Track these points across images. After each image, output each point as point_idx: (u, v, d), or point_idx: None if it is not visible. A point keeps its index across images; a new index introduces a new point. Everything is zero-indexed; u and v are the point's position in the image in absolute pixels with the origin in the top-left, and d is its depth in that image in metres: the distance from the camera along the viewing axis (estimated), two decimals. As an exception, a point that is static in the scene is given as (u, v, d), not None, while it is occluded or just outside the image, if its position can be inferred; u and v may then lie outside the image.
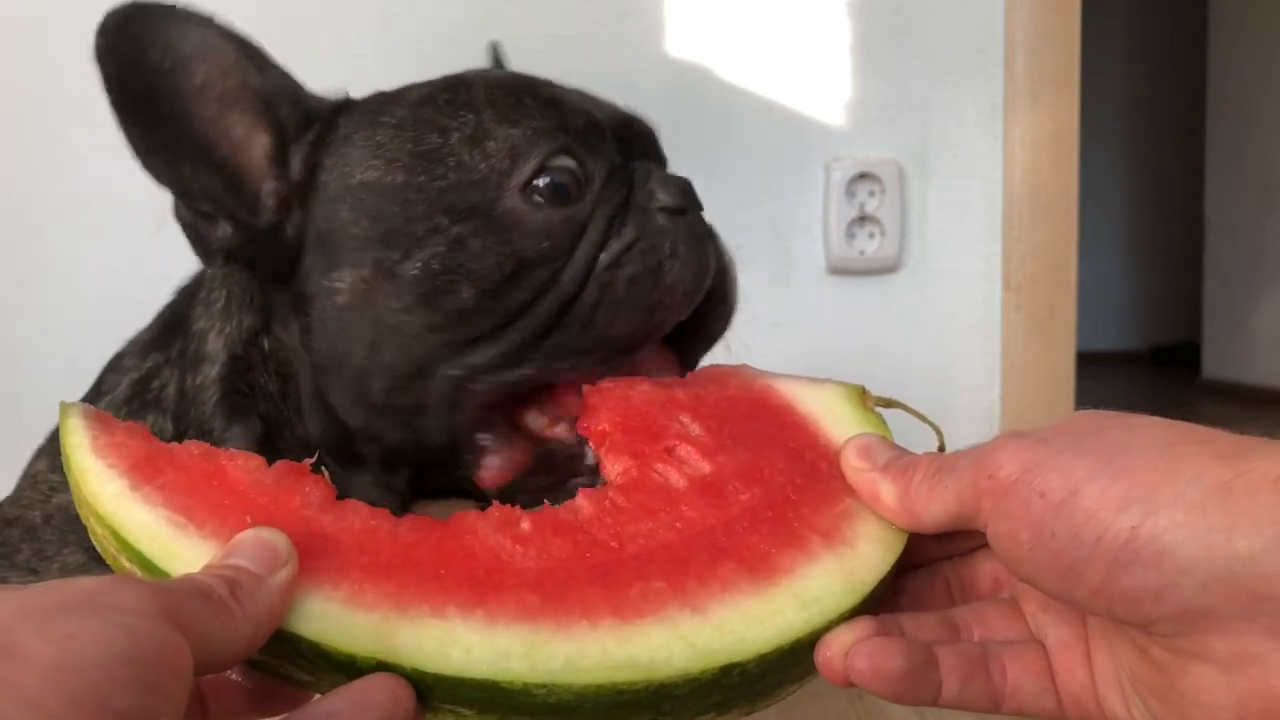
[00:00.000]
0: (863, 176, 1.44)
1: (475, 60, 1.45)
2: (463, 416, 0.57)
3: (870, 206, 1.44)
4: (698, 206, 0.61)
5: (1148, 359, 4.94)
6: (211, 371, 0.64)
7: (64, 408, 0.44)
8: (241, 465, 0.43)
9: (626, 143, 0.63)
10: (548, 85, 0.62)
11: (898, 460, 0.44)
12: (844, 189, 1.44)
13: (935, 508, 0.41)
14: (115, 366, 0.71)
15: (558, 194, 0.56)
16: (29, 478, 0.71)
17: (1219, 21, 3.55)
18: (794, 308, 1.46)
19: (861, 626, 0.41)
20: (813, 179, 1.46)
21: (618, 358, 0.57)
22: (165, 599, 0.32)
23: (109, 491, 0.41)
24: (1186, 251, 4.17)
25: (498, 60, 0.92)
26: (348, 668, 0.38)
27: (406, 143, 0.58)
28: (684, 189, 0.60)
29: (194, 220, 0.59)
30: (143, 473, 0.42)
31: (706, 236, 0.60)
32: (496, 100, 0.59)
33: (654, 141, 0.68)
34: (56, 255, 1.43)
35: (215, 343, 0.65)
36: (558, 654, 0.38)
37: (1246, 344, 3.36)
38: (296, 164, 0.60)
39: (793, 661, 0.41)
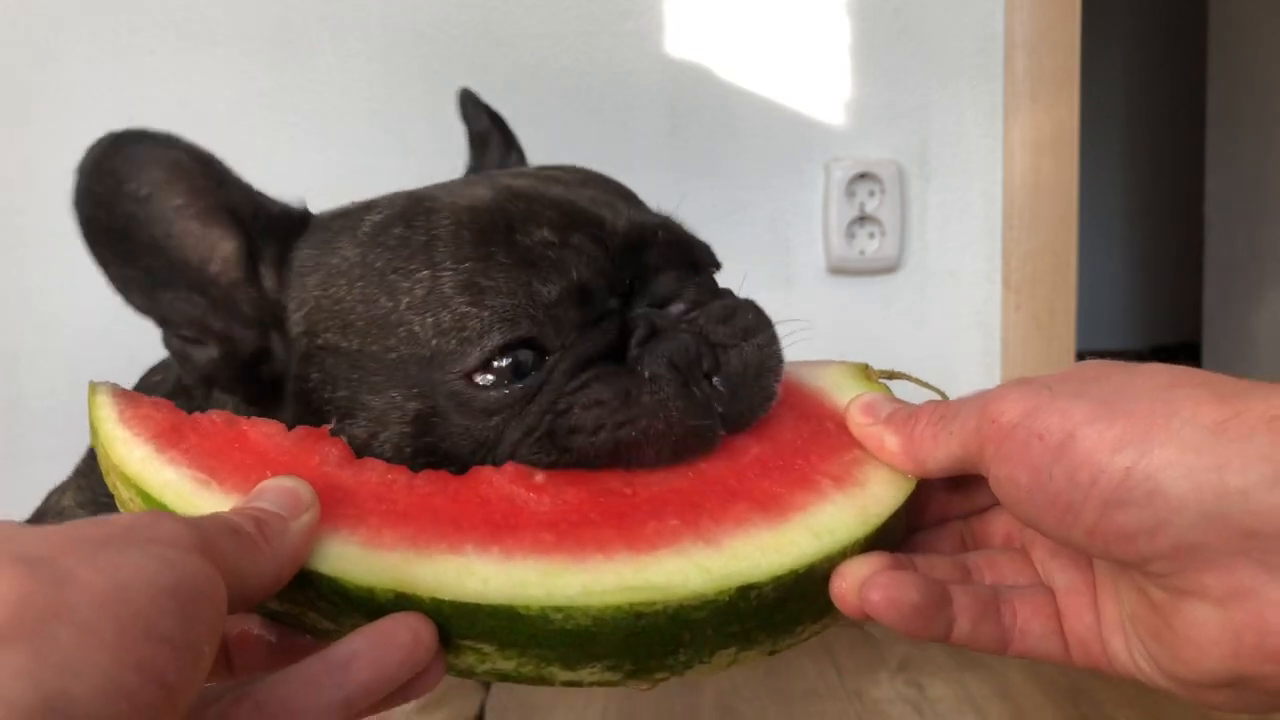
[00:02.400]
0: (863, 176, 1.44)
1: (475, 60, 1.45)
2: None
3: (870, 206, 1.44)
4: (715, 333, 0.52)
5: (1148, 359, 4.94)
6: None
7: (92, 387, 0.46)
8: (263, 430, 0.45)
9: (638, 253, 0.55)
10: (529, 217, 0.53)
11: (900, 411, 0.45)
12: (844, 189, 1.44)
13: (940, 452, 0.42)
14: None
15: (512, 373, 0.50)
16: (55, 513, 0.69)
17: (1219, 21, 3.55)
18: (794, 308, 1.46)
19: (876, 560, 0.41)
20: (813, 179, 1.46)
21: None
22: (199, 534, 0.33)
23: (135, 455, 0.43)
24: (1186, 251, 4.17)
25: (469, 111, 0.83)
26: (367, 604, 0.38)
27: (359, 304, 0.54)
28: (683, 359, 0.49)
29: (181, 347, 0.58)
30: (168, 439, 0.44)
31: (700, 399, 0.49)
32: (461, 251, 0.52)
33: (686, 249, 0.59)
34: (56, 256, 1.43)
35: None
36: (573, 581, 0.39)
37: (1246, 344, 3.35)
38: (267, 284, 0.58)
39: (810, 590, 0.41)
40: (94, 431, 0.45)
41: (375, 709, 0.37)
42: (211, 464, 0.43)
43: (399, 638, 0.37)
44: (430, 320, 0.51)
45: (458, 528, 0.41)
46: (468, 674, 0.41)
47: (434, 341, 0.51)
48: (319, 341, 0.55)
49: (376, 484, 0.43)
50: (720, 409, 0.48)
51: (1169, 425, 0.34)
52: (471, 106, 0.82)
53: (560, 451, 0.47)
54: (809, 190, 1.46)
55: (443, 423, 0.50)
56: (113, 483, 0.44)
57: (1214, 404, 0.34)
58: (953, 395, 0.45)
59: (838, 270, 1.46)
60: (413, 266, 0.53)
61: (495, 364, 0.50)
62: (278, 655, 0.42)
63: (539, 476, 0.44)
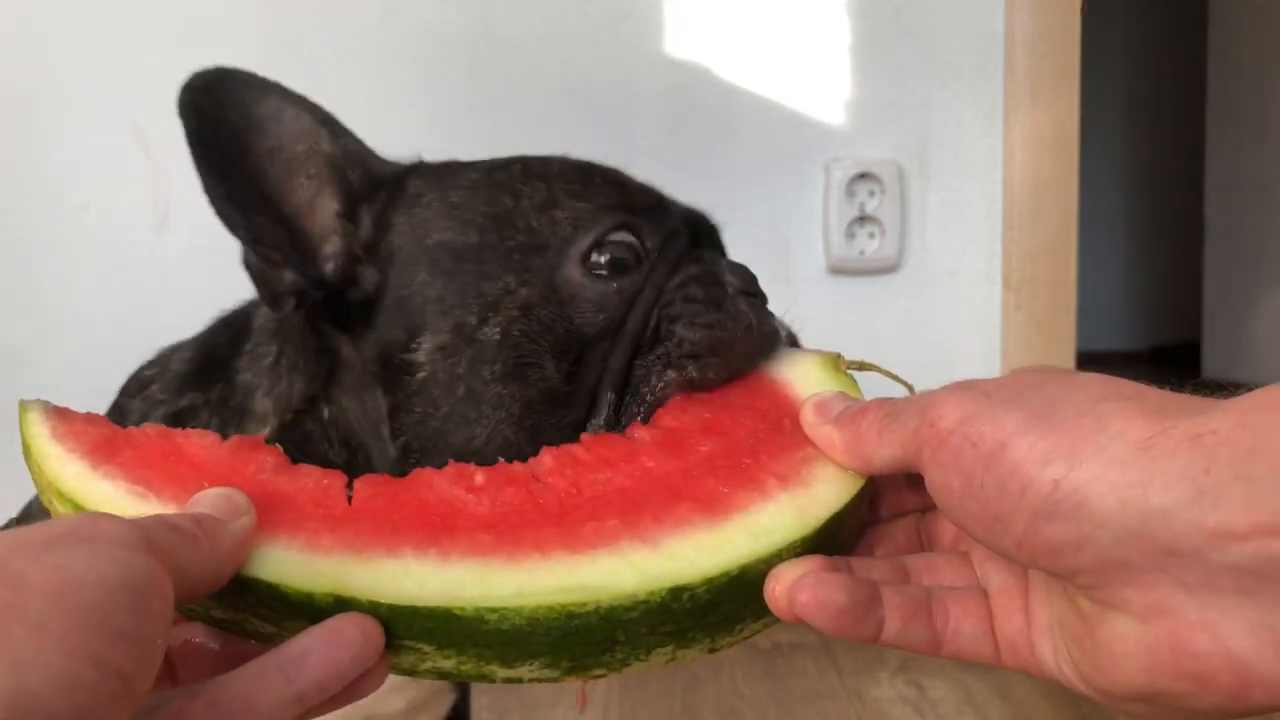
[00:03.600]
0: (863, 176, 1.44)
1: (475, 60, 1.45)
2: None
3: (870, 206, 1.44)
4: (764, 298, 0.60)
5: (1148, 359, 4.94)
6: (260, 432, 0.62)
7: (23, 404, 0.46)
8: (197, 441, 0.45)
9: (694, 234, 0.63)
10: (618, 171, 0.64)
11: (849, 409, 0.45)
12: (844, 189, 1.44)
13: (883, 451, 0.42)
14: (141, 394, 0.70)
15: (615, 267, 0.57)
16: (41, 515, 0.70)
17: (1219, 21, 3.55)
18: (794, 308, 1.45)
19: (809, 562, 0.41)
20: (813, 179, 1.46)
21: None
22: (141, 530, 0.34)
23: (70, 472, 0.43)
24: (1186, 251, 4.17)
25: None
26: (306, 609, 0.39)
27: (480, 204, 0.60)
28: (751, 277, 0.60)
29: (262, 267, 0.61)
30: (102, 453, 0.43)
31: (767, 325, 0.57)
32: (568, 175, 0.61)
33: (718, 237, 0.68)
34: (56, 255, 1.43)
35: (264, 403, 0.63)
36: (508, 582, 0.39)
37: (1246, 344, 3.35)
38: (367, 223, 0.61)
39: (746, 591, 0.41)
40: (26, 450, 0.44)
41: (324, 708, 0.38)
42: (147, 476, 0.42)
43: (349, 635, 0.38)
44: (546, 216, 0.58)
45: (395, 531, 0.41)
46: (410, 673, 0.41)
47: (550, 230, 0.57)
48: (430, 241, 0.59)
49: (314, 489, 0.43)
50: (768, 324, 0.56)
51: (1097, 440, 0.34)
52: None
53: (665, 347, 0.54)
54: (809, 190, 1.46)
55: (550, 313, 0.55)
56: (48, 500, 0.44)
57: (1142, 420, 0.34)
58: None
59: (838, 270, 1.46)
60: (532, 180, 0.60)
61: (603, 255, 0.56)
62: (222, 662, 0.42)
63: (479, 477, 0.44)
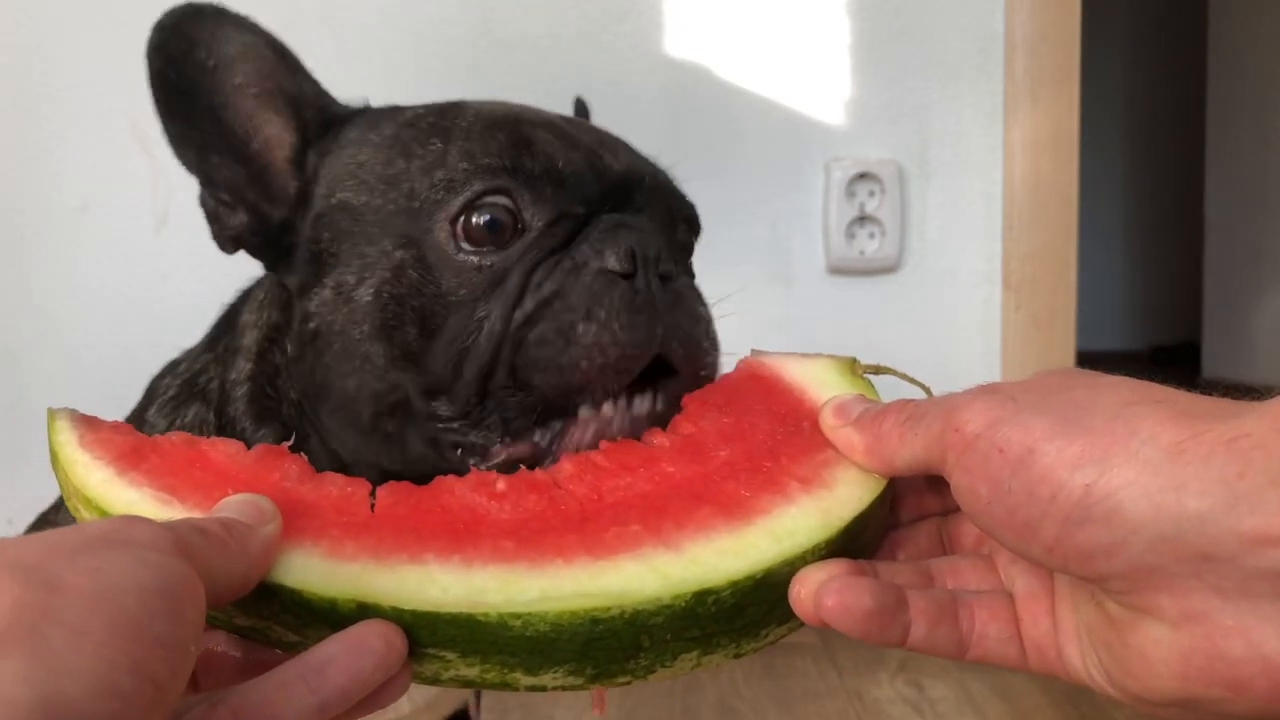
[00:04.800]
0: (863, 176, 1.44)
1: (475, 60, 1.45)
2: (453, 460, 0.54)
3: (870, 206, 1.44)
4: (666, 268, 0.55)
5: (1148, 359, 4.94)
6: (245, 368, 0.64)
7: (51, 413, 0.46)
8: (222, 449, 0.45)
9: (624, 196, 0.59)
10: (538, 125, 0.58)
11: (869, 411, 0.44)
12: (844, 189, 1.44)
13: (905, 453, 0.41)
14: (170, 371, 0.73)
15: (489, 233, 0.54)
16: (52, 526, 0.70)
17: (1219, 21, 3.55)
18: (794, 308, 1.46)
19: (834, 566, 0.41)
20: (813, 179, 1.46)
21: (553, 420, 0.52)
22: (174, 535, 0.34)
23: (96, 478, 0.43)
24: (1186, 251, 4.16)
25: (579, 112, 0.88)
26: (329, 615, 0.38)
27: (378, 165, 0.59)
28: (643, 251, 0.53)
29: (215, 207, 0.62)
30: (128, 461, 0.44)
31: (654, 303, 0.53)
32: (473, 132, 0.58)
33: (671, 198, 0.64)
34: (56, 255, 1.43)
35: (250, 336, 0.65)
36: (532, 587, 0.39)
37: (1246, 344, 3.35)
38: (310, 166, 0.62)
39: (771, 595, 0.41)
40: (54, 457, 0.44)
41: (347, 717, 0.37)
42: (172, 483, 0.43)
43: (372, 643, 0.37)
44: (428, 178, 0.56)
45: (419, 537, 0.41)
46: (433, 681, 0.41)
47: (426, 194, 0.56)
48: (334, 200, 0.60)
49: (337, 497, 0.43)
50: (663, 315, 0.53)
51: (1128, 444, 0.34)
52: (581, 114, 0.88)
53: (561, 338, 0.51)
54: (809, 190, 1.46)
55: (420, 276, 0.54)
56: (74, 506, 0.44)
57: (1173, 424, 0.34)
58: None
59: (838, 270, 1.46)
60: (432, 140, 0.58)
61: (474, 219, 0.54)
62: (244, 671, 0.42)
63: (501, 484, 0.44)
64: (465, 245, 0.54)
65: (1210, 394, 0.37)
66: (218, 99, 0.61)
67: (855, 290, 1.47)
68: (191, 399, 0.68)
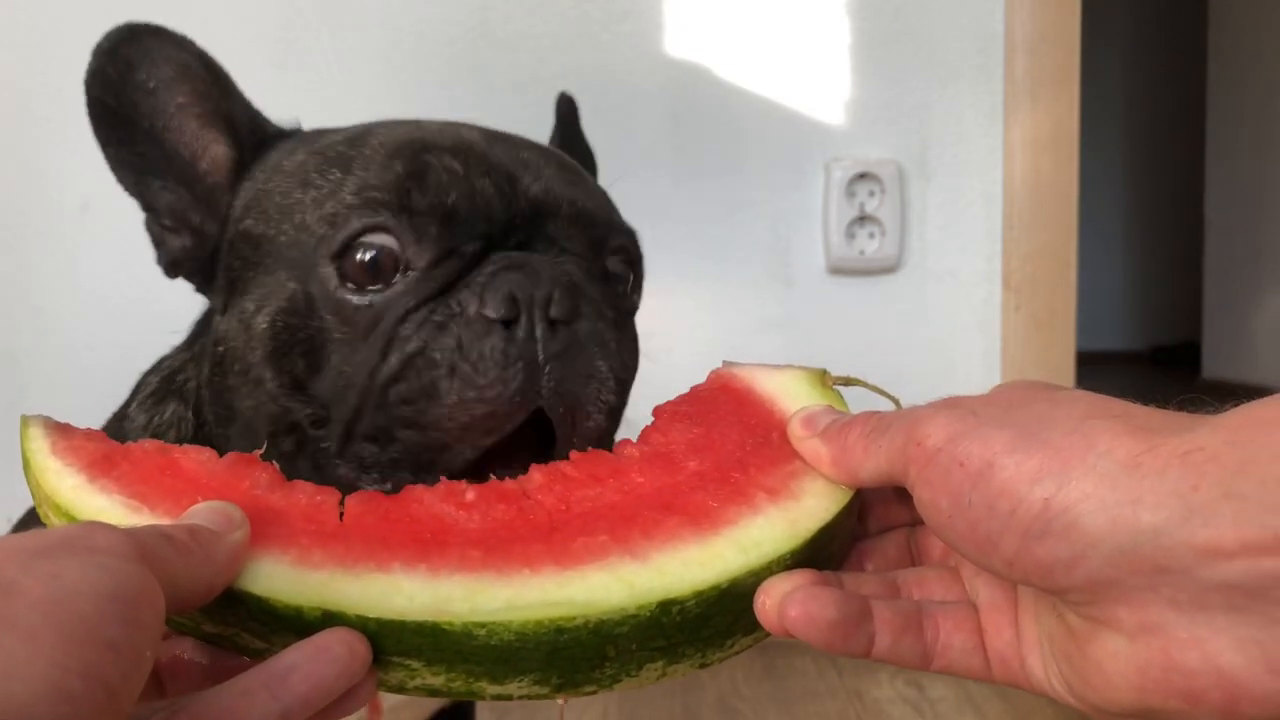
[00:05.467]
0: (863, 176, 1.44)
1: (475, 60, 1.45)
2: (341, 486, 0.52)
3: (870, 206, 1.44)
4: (559, 312, 0.51)
5: (1148, 359, 4.94)
6: (211, 366, 0.64)
7: (24, 420, 0.46)
8: (194, 457, 0.45)
9: (535, 227, 0.55)
10: (445, 151, 0.55)
11: (836, 422, 0.45)
12: (844, 189, 1.44)
13: (869, 465, 0.42)
14: (155, 368, 0.73)
15: (370, 272, 0.52)
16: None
17: (1219, 22, 3.55)
18: (794, 308, 1.46)
19: (799, 576, 0.41)
20: (813, 179, 1.46)
21: (428, 472, 0.50)
22: (135, 541, 0.34)
23: (67, 485, 0.43)
24: (1186, 251, 4.17)
25: (563, 117, 0.82)
26: (295, 623, 0.39)
27: (278, 195, 0.58)
28: (527, 294, 0.50)
29: (160, 232, 0.63)
30: (100, 468, 0.44)
31: (535, 354, 0.50)
32: (373, 162, 0.55)
33: (596, 227, 0.58)
34: (57, 255, 1.43)
35: (219, 332, 0.65)
36: (497, 596, 0.39)
37: (1246, 344, 3.35)
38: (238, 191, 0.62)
39: (736, 605, 0.41)
40: (26, 464, 0.44)
41: None
42: (143, 490, 0.43)
43: (335, 651, 0.37)
44: (318, 211, 0.55)
45: (386, 546, 0.41)
46: (399, 690, 0.41)
47: (313, 228, 0.54)
48: (241, 227, 0.59)
49: (306, 505, 0.43)
50: (546, 366, 0.50)
51: (1086, 458, 0.34)
52: (566, 111, 0.85)
53: (424, 397, 0.50)
54: (809, 190, 1.46)
55: (309, 310, 0.54)
56: (44, 513, 0.44)
57: (1130, 437, 0.34)
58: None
59: (838, 270, 1.46)
60: (331, 170, 0.56)
61: (357, 257, 0.52)
62: (210, 677, 0.42)
63: (470, 494, 0.44)
64: (348, 284, 0.53)
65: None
66: (159, 121, 0.60)
67: (855, 290, 1.47)
68: (169, 396, 0.68)
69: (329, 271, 0.53)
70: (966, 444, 0.37)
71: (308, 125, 0.64)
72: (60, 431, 0.45)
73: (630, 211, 0.65)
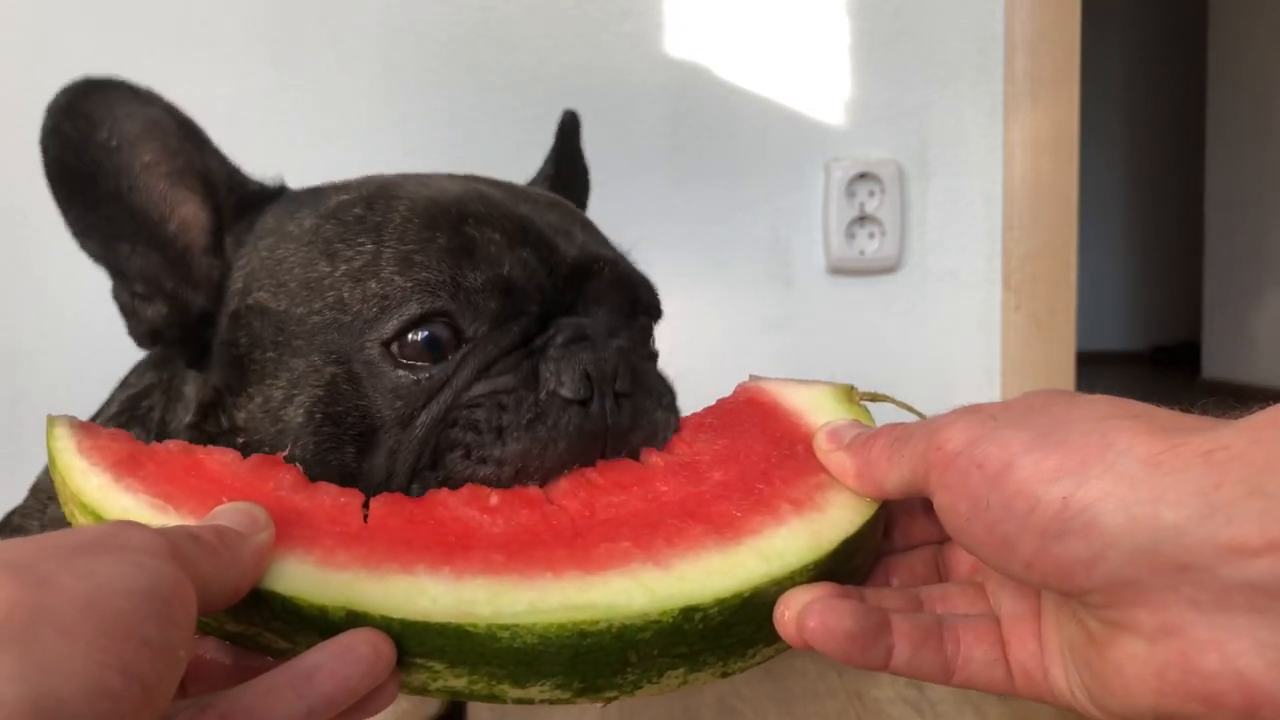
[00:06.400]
0: (863, 176, 1.44)
1: (475, 60, 1.45)
2: None
3: (870, 206, 1.44)
4: (623, 385, 0.51)
5: (1148, 359, 4.94)
6: (185, 419, 0.60)
7: (50, 419, 0.46)
8: (218, 458, 0.45)
9: (578, 288, 0.55)
10: (482, 221, 0.53)
11: (861, 435, 0.45)
12: (844, 189, 1.44)
13: (893, 475, 0.42)
14: (123, 382, 0.70)
15: (428, 350, 0.51)
16: (32, 489, 0.70)
17: (1219, 22, 3.55)
18: (794, 308, 1.46)
19: (820, 589, 0.41)
20: (813, 179, 1.46)
21: None
22: (168, 540, 0.34)
23: (93, 484, 0.43)
24: (1186, 251, 4.17)
25: (565, 134, 0.80)
26: (320, 622, 0.39)
27: (297, 266, 0.54)
28: (599, 370, 0.50)
29: (130, 301, 0.58)
30: (125, 467, 0.44)
31: (602, 428, 0.50)
32: (407, 231, 0.53)
33: (631, 288, 0.58)
34: (57, 256, 1.43)
35: (190, 388, 0.61)
36: (521, 599, 0.39)
37: (1246, 344, 3.36)
38: (228, 251, 0.58)
39: (758, 615, 0.41)
40: (52, 462, 0.45)
41: None
42: (168, 490, 0.43)
43: (360, 651, 0.38)
44: (359, 289, 0.52)
45: (410, 548, 0.41)
46: (421, 691, 0.41)
47: (358, 308, 0.51)
48: (249, 300, 0.55)
49: (330, 506, 0.43)
50: (613, 429, 0.49)
51: (1104, 456, 0.34)
52: (570, 128, 0.80)
53: (438, 468, 0.49)
54: (809, 190, 1.46)
55: (354, 393, 0.51)
56: (70, 511, 0.44)
57: (1150, 436, 0.34)
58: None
59: (838, 270, 1.46)
60: (360, 240, 0.53)
61: (411, 337, 0.50)
62: (234, 678, 0.42)
63: (493, 499, 0.45)
64: (402, 362, 0.51)
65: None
66: (125, 181, 0.56)
67: (855, 290, 1.47)
68: (132, 423, 0.65)
69: (379, 354, 0.51)
70: (985, 446, 0.37)
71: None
72: (85, 430, 0.46)
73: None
